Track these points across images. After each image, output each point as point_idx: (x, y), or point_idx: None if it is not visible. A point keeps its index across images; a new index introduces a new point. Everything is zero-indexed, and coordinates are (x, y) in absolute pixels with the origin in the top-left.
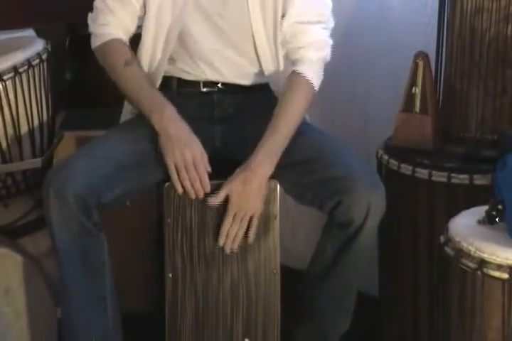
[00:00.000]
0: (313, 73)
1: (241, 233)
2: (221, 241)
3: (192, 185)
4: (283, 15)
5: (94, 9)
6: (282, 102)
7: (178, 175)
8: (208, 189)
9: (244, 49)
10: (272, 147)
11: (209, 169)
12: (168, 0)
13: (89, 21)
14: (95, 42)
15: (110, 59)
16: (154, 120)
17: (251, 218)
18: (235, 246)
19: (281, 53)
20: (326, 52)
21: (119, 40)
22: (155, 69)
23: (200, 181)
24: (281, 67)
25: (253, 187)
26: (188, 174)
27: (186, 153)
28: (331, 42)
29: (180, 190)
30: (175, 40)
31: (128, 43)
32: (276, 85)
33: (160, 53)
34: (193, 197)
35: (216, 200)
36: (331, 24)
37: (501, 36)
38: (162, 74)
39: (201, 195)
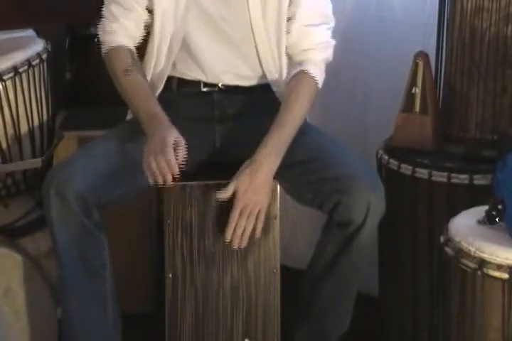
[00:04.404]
0: (318, 72)
1: (249, 228)
2: (228, 237)
3: (160, 170)
4: (289, 19)
5: (102, 17)
6: (289, 99)
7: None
8: (175, 171)
9: (246, 52)
10: (277, 142)
11: (184, 153)
12: (171, 6)
13: (98, 30)
14: (102, 50)
15: (112, 66)
16: (148, 134)
17: (258, 213)
18: (244, 243)
19: (283, 55)
20: (329, 53)
21: (122, 48)
22: (158, 75)
23: (168, 165)
24: (284, 69)
25: (259, 181)
26: (155, 159)
27: (156, 141)
28: (333, 42)
29: (150, 180)
30: (178, 46)
31: (134, 50)
32: (278, 86)
33: (164, 60)
34: (161, 181)
35: (224, 195)
36: (333, 24)
37: (501, 36)
38: (165, 78)
39: (169, 178)
